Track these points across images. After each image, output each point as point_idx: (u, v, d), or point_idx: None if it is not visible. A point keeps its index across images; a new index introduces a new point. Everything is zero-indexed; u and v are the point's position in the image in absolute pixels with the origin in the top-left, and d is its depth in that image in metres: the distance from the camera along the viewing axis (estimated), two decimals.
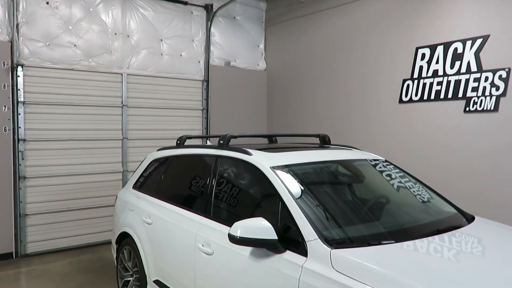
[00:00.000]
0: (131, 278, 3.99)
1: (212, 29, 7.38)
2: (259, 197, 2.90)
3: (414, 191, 3.16)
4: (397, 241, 2.33)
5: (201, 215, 3.09)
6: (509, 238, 2.65)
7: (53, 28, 5.86)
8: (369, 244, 2.29)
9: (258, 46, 8.11)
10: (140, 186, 4.18)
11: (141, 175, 4.26)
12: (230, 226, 2.56)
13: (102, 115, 6.30)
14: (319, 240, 2.25)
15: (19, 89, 5.62)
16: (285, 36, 7.74)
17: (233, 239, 2.40)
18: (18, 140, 5.62)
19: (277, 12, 7.89)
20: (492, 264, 2.24)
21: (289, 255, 2.32)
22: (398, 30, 5.87)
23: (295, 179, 2.70)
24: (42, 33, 5.78)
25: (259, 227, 2.36)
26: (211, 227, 2.94)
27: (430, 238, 2.42)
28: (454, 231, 2.57)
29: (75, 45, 6.04)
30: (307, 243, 2.27)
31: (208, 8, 7.31)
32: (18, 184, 5.66)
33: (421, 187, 3.22)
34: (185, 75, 7.15)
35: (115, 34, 6.40)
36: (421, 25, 5.60)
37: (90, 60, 6.18)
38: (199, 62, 7.31)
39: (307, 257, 2.24)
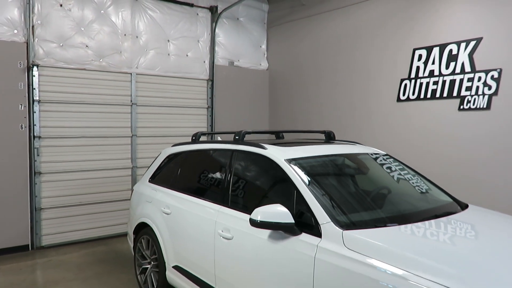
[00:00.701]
0: (148, 266, 4.27)
1: (216, 30, 7.66)
2: (274, 186, 3.19)
3: (412, 182, 3.46)
4: (399, 224, 2.63)
5: (220, 204, 3.38)
6: (498, 222, 2.96)
7: (66, 29, 6.10)
8: (375, 226, 2.59)
9: (261, 47, 8.40)
10: (157, 179, 4.45)
11: (157, 169, 4.53)
12: (248, 213, 2.86)
13: (112, 113, 6.56)
14: (331, 223, 2.55)
15: (34, 88, 5.86)
16: (287, 37, 8.03)
17: (254, 223, 2.69)
18: (34, 137, 5.87)
19: (278, 14, 8.18)
20: (480, 242, 2.55)
21: (304, 236, 2.61)
22: (397, 32, 6.18)
23: (307, 170, 3.00)
24: (56, 34, 6.02)
25: (277, 212, 2.65)
26: (230, 214, 3.23)
27: (427, 222, 2.73)
28: (449, 217, 2.88)
29: (87, 46, 6.29)
30: (321, 225, 2.57)
31: (213, 9, 7.58)
32: (34, 180, 5.91)
33: (419, 178, 3.53)
34: (191, 74, 7.42)
35: (125, 35, 6.66)
36: (419, 28, 5.91)
37: (101, 60, 6.43)
38: (204, 62, 7.59)
39: (321, 238, 2.53)
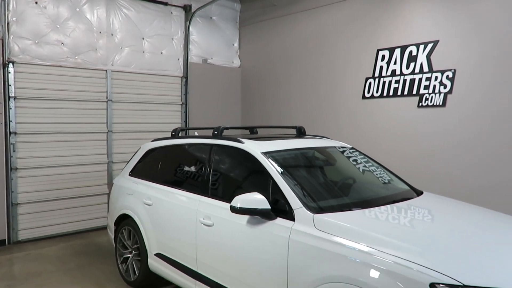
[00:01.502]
0: (130, 255, 4.49)
1: (190, 29, 7.86)
2: (251, 177, 3.49)
3: (375, 173, 3.84)
4: (362, 208, 2.99)
5: (200, 195, 3.65)
6: (448, 205, 3.39)
7: (41, 26, 6.17)
8: (342, 210, 2.93)
9: (233, 45, 8.66)
10: (137, 173, 4.67)
11: (137, 163, 4.74)
12: (227, 202, 3.16)
13: (88, 109, 6.67)
14: (303, 208, 2.87)
15: (10, 85, 5.91)
16: (258, 36, 8.33)
17: (234, 209, 2.98)
18: (10, 133, 5.93)
19: (250, 13, 8.46)
20: (433, 222, 2.95)
21: (279, 221, 2.93)
22: (362, 34, 6.58)
23: (281, 162, 3.31)
24: (31, 32, 6.08)
25: (255, 199, 2.96)
26: (210, 203, 3.50)
27: (387, 206, 3.10)
28: (406, 201, 3.27)
29: (62, 43, 6.38)
30: (294, 210, 2.88)
31: (186, 8, 7.78)
32: (10, 175, 5.97)
33: (380, 169, 3.92)
34: (165, 71, 7.60)
35: (100, 32, 6.78)
36: (382, 30, 6.33)
37: (76, 57, 6.53)
38: (178, 59, 7.78)
39: (294, 221, 2.85)
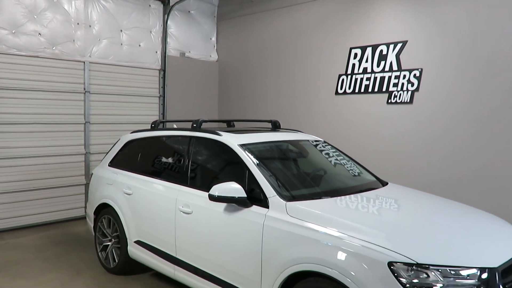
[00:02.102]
0: (109, 243, 4.63)
1: (168, 22, 7.95)
2: (228, 167, 3.69)
3: (345, 164, 4.11)
4: (331, 197, 3.24)
5: (180, 184, 3.82)
6: (410, 194, 3.70)
7: (18, 17, 6.15)
8: (312, 198, 3.17)
9: (211, 39, 8.79)
10: (117, 163, 4.79)
11: (117, 154, 4.86)
12: (206, 191, 3.36)
13: (65, 100, 6.70)
14: (277, 196, 3.10)
15: None
16: (236, 31, 8.49)
17: (212, 197, 3.18)
18: None
19: (228, 8, 8.60)
20: (396, 209, 3.23)
21: (255, 208, 3.14)
22: (335, 32, 6.85)
23: (257, 153, 3.52)
24: (8, 21, 6.06)
25: (232, 188, 3.16)
26: (189, 192, 3.69)
27: (354, 195, 3.37)
28: (372, 191, 3.54)
29: (39, 34, 6.38)
30: (268, 198, 3.10)
31: (165, 2, 7.86)
32: None
33: (349, 161, 4.19)
34: (143, 64, 7.68)
35: (78, 24, 6.80)
36: (355, 29, 6.61)
37: (54, 48, 6.54)
38: (156, 52, 7.87)
39: (268, 208, 3.07)
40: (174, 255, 3.75)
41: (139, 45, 7.61)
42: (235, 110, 8.52)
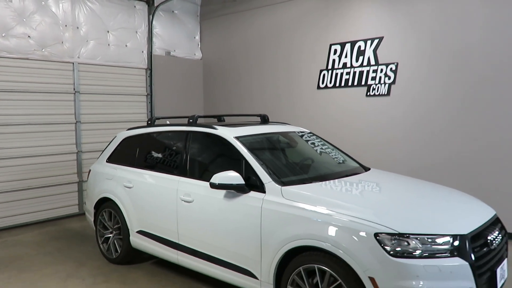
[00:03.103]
0: (111, 235, 4.87)
1: (153, 22, 8.17)
2: (226, 158, 3.98)
3: (330, 153, 4.47)
4: (320, 181, 3.59)
5: (179, 176, 4.11)
6: (391, 177, 4.08)
7: (8, 20, 6.29)
8: (304, 183, 3.51)
9: (195, 38, 9.04)
10: (115, 159, 5.03)
11: (114, 150, 5.10)
12: (205, 181, 3.67)
13: (56, 100, 6.87)
14: (273, 182, 3.42)
15: None
16: (219, 29, 8.76)
17: (213, 185, 3.49)
18: None
19: (211, 8, 8.86)
20: (379, 190, 3.60)
21: (252, 193, 3.46)
22: (316, 29, 7.20)
23: (252, 144, 3.84)
24: None
25: (231, 176, 3.47)
26: (189, 182, 3.98)
27: (340, 179, 3.73)
28: (355, 175, 3.91)
29: (29, 36, 6.52)
30: (265, 184, 3.42)
31: (149, 2, 8.07)
32: None
33: (334, 150, 4.55)
34: (130, 63, 7.88)
35: (66, 26, 6.96)
36: (334, 26, 6.98)
37: (43, 50, 6.69)
38: (142, 52, 8.08)
39: (265, 193, 3.39)
40: (177, 241, 4.04)
41: (126, 45, 7.80)
42: (220, 106, 8.81)
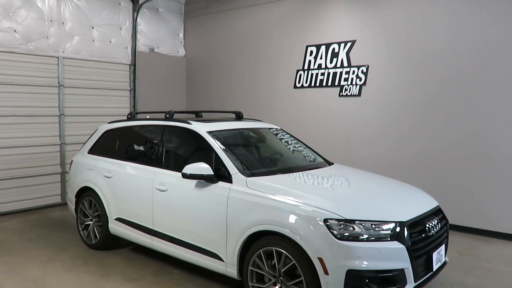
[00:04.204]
0: (90, 222, 5.15)
1: (138, 19, 8.41)
2: (198, 151, 4.29)
3: (296, 148, 4.81)
4: (284, 173, 3.93)
5: (155, 167, 4.41)
6: (349, 171, 4.46)
7: None
8: (268, 174, 3.84)
9: (178, 35, 9.31)
10: (96, 151, 5.30)
11: (95, 142, 5.37)
12: (179, 171, 3.98)
13: (41, 93, 7.09)
14: (239, 173, 3.74)
15: None
16: (202, 28, 9.04)
17: (185, 175, 3.80)
18: None
19: (195, 6, 9.13)
20: (334, 180, 3.96)
21: (220, 183, 3.78)
22: (293, 31, 7.54)
23: (223, 139, 4.16)
24: None
25: (202, 167, 3.79)
26: (164, 173, 4.28)
27: (304, 172, 4.07)
28: (317, 169, 4.27)
29: (15, 30, 6.73)
30: (232, 175, 3.75)
31: (134, 0, 8.31)
32: None
33: (301, 145, 4.90)
34: (114, 59, 8.12)
35: (51, 21, 7.17)
36: (310, 29, 7.32)
37: (29, 44, 6.90)
38: (126, 48, 8.32)
39: (232, 183, 3.71)
40: (152, 227, 4.34)
41: (110, 41, 8.04)
42: (202, 102, 9.10)
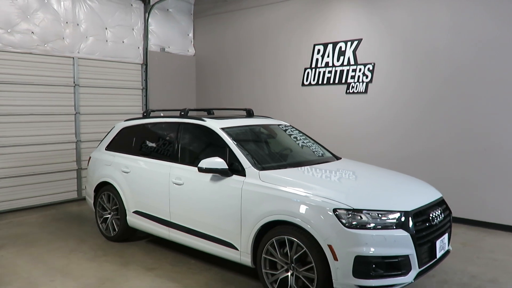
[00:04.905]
0: (109, 216, 5.40)
1: (149, 20, 8.65)
2: (212, 147, 4.50)
3: (306, 143, 5.02)
4: (294, 167, 4.15)
5: (172, 162, 4.64)
6: (356, 165, 4.65)
7: (13, 17, 6.75)
8: (279, 168, 4.06)
9: (188, 35, 9.54)
10: (113, 147, 5.55)
11: (113, 139, 5.62)
12: (194, 166, 4.22)
13: (57, 93, 7.36)
14: (252, 167, 3.96)
15: None
16: (211, 28, 9.26)
17: (201, 169, 4.03)
18: None
19: (203, 7, 9.35)
20: (343, 173, 4.16)
21: (234, 177, 4.00)
22: (301, 30, 7.73)
23: (236, 135, 4.38)
24: (4, 21, 6.65)
25: (216, 161, 4.01)
26: (180, 168, 4.51)
27: (314, 166, 4.28)
28: (326, 163, 4.48)
29: (32, 32, 6.99)
30: (245, 169, 3.97)
31: (145, 1, 8.55)
32: None
33: (310, 141, 5.11)
34: (126, 59, 8.37)
35: (67, 22, 7.43)
36: (317, 28, 7.51)
37: (45, 45, 7.17)
38: (138, 48, 8.57)
39: (245, 176, 3.93)
40: (169, 219, 4.58)
41: (123, 42, 8.28)
42: (212, 100, 9.33)
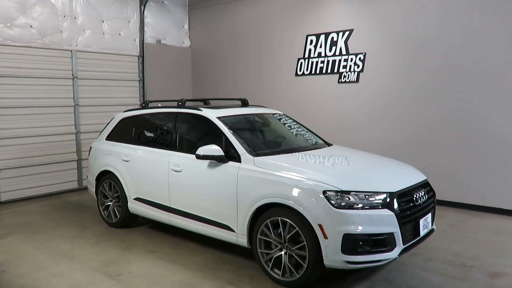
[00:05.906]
0: (110, 203, 5.62)
1: (145, 12, 8.79)
2: (209, 135, 4.71)
3: (298, 131, 5.24)
4: (287, 153, 4.37)
5: (170, 150, 4.85)
6: (346, 150, 4.88)
7: (11, 11, 6.89)
8: (273, 154, 4.27)
9: (183, 27, 9.69)
10: (113, 137, 5.74)
11: (113, 130, 5.81)
12: (192, 154, 4.42)
13: (56, 85, 7.52)
14: (247, 154, 4.18)
15: None
16: (207, 19, 9.41)
17: (198, 156, 4.24)
18: None
19: None
20: (338, 159, 4.39)
21: (230, 163, 4.21)
22: (294, 21, 7.91)
23: (231, 123, 4.59)
24: (3, 16, 6.79)
25: (213, 149, 4.23)
26: (178, 155, 4.72)
27: (306, 152, 4.51)
28: (318, 149, 4.70)
29: (31, 26, 7.13)
30: (241, 155, 4.18)
31: None
32: None
33: (302, 128, 5.32)
34: (123, 51, 8.52)
35: (64, 16, 7.57)
36: (310, 19, 7.69)
37: (44, 38, 7.31)
38: (135, 40, 8.72)
39: (241, 163, 4.15)
40: (168, 205, 4.80)
41: (119, 34, 8.43)
42: (207, 90, 9.52)
